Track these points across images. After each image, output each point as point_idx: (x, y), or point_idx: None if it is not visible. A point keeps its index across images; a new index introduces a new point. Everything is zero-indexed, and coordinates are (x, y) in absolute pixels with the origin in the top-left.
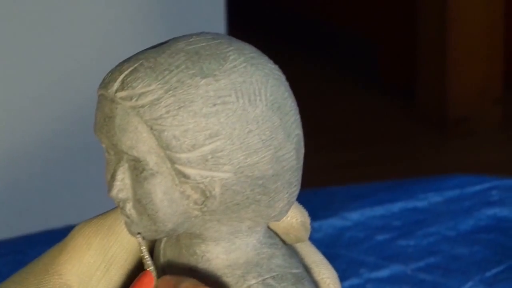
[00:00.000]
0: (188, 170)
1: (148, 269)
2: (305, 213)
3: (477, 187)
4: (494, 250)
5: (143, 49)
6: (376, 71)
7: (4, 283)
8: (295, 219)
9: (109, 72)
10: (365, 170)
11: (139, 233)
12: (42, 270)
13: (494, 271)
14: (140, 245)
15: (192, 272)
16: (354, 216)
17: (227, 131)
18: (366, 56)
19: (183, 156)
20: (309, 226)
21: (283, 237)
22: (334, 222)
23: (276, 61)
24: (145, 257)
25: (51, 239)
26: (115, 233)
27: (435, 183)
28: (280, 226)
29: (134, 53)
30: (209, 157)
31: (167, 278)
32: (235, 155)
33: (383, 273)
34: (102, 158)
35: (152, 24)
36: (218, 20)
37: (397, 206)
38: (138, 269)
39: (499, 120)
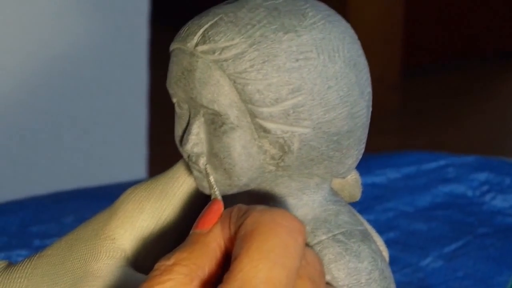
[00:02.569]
0: (269, 125)
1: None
2: (357, 172)
3: (433, 164)
4: (451, 227)
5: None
6: None
7: (49, 249)
8: (350, 176)
9: (185, 26)
10: None
11: (207, 164)
12: (92, 235)
13: (452, 246)
14: (207, 175)
15: None
16: None
17: (308, 86)
18: None
19: (266, 110)
20: (361, 185)
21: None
22: None
23: None
24: (214, 187)
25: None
26: (168, 196)
27: (392, 159)
28: (335, 182)
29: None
30: (291, 111)
31: (239, 205)
32: (315, 110)
33: None
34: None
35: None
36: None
37: None
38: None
39: (396, 107)
